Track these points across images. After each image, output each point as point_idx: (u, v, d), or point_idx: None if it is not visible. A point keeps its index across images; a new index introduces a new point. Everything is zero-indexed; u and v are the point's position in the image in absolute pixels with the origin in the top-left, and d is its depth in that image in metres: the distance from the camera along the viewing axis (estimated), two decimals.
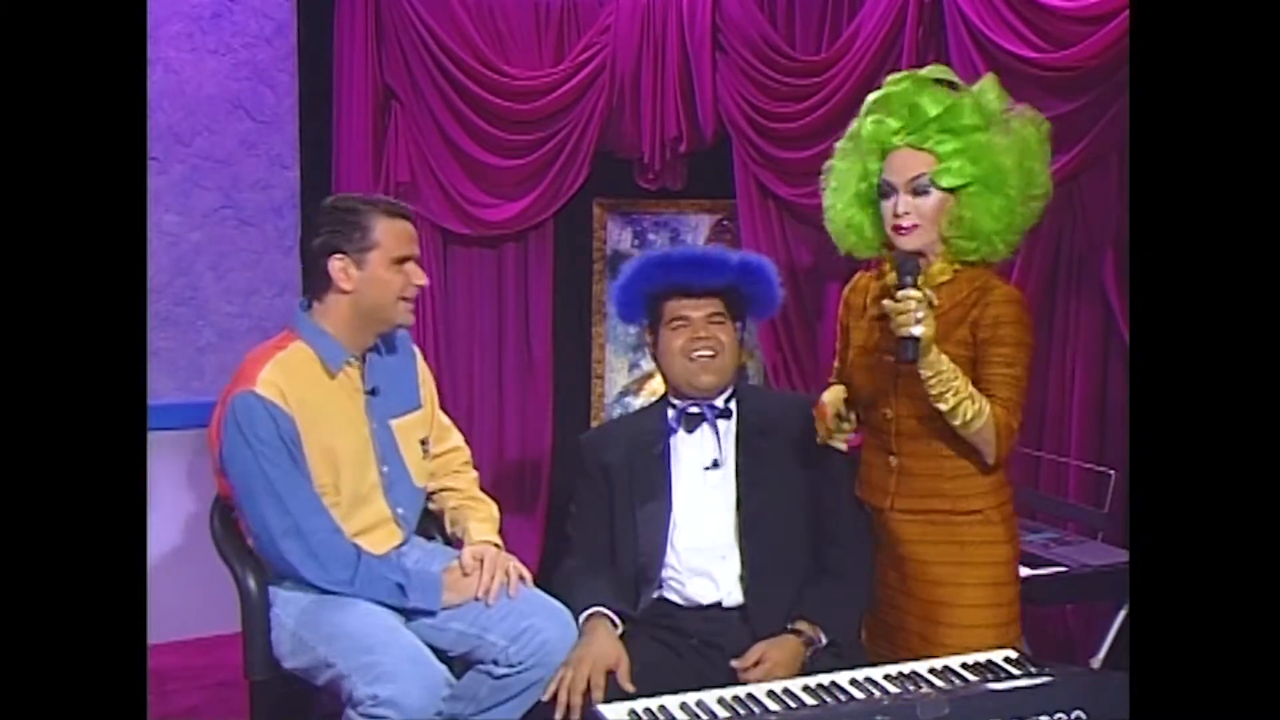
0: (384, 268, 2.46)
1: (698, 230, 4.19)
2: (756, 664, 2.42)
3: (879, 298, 2.48)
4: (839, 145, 2.60)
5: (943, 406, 2.31)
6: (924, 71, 2.51)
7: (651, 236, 4.19)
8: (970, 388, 2.32)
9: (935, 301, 2.30)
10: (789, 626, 2.50)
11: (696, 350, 2.64)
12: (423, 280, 2.53)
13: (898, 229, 2.42)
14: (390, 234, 2.46)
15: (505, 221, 4.03)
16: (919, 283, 2.28)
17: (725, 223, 4.14)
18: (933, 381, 2.29)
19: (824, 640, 2.50)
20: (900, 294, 2.25)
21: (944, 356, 2.30)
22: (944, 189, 2.40)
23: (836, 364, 2.72)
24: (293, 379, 2.42)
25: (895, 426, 2.47)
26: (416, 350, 2.72)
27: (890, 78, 2.53)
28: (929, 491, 2.46)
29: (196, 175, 3.93)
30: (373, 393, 2.54)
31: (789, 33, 3.86)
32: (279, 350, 2.46)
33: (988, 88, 2.48)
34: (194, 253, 3.95)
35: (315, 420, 2.42)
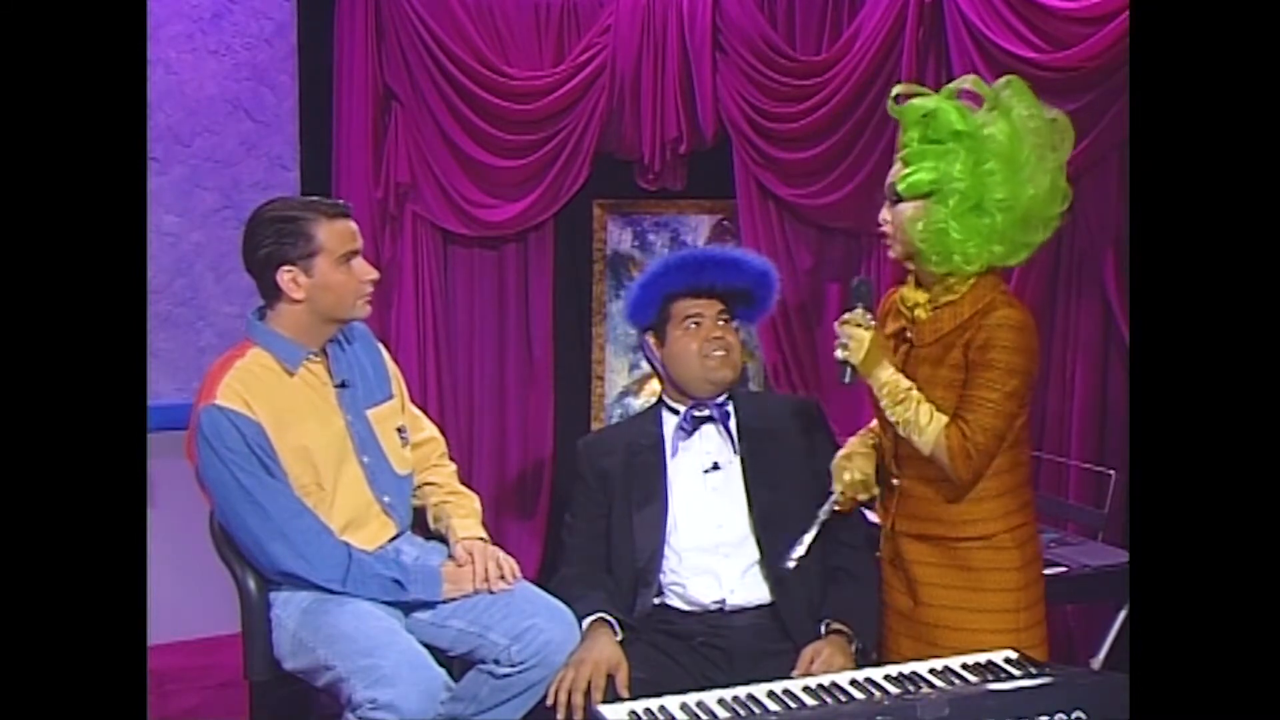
0: (331, 270, 2.44)
1: (698, 230, 4.18)
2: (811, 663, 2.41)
3: (887, 315, 2.49)
4: None
5: (892, 419, 2.35)
6: (953, 84, 2.42)
7: (651, 237, 4.19)
8: (922, 405, 2.32)
9: (872, 324, 2.38)
10: (830, 629, 2.49)
11: (713, 348, 2.65)
12: (372, 275, 2.51)
13: (881, 237, 2.43)
14: (333, 235, 2.44)
15: (505, 222, 4.03)
16: (866, 306, 2.37)
17: (725, 223, 4.14)
18: (880, 395, 2.36)
19: (858, 645, 2.50)
20: (841, 317, 2.36)
21: (890, 372, 2.35)
22: (904, 197, 2.34)
23: None
24: (254, 385, 2.41)
25: (897, 447, 2.44)
26: (379, 343, 2.72)
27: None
28: (927, 515, 2.42)
29: (196, 176, 3.93)
30: (343, 385, 2.54)
31: (789, 33, 3.86)
32: (238, 358, 2.46)
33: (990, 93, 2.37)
34: (194, 254, 3.95)
35: (285, 422, 2.42)
